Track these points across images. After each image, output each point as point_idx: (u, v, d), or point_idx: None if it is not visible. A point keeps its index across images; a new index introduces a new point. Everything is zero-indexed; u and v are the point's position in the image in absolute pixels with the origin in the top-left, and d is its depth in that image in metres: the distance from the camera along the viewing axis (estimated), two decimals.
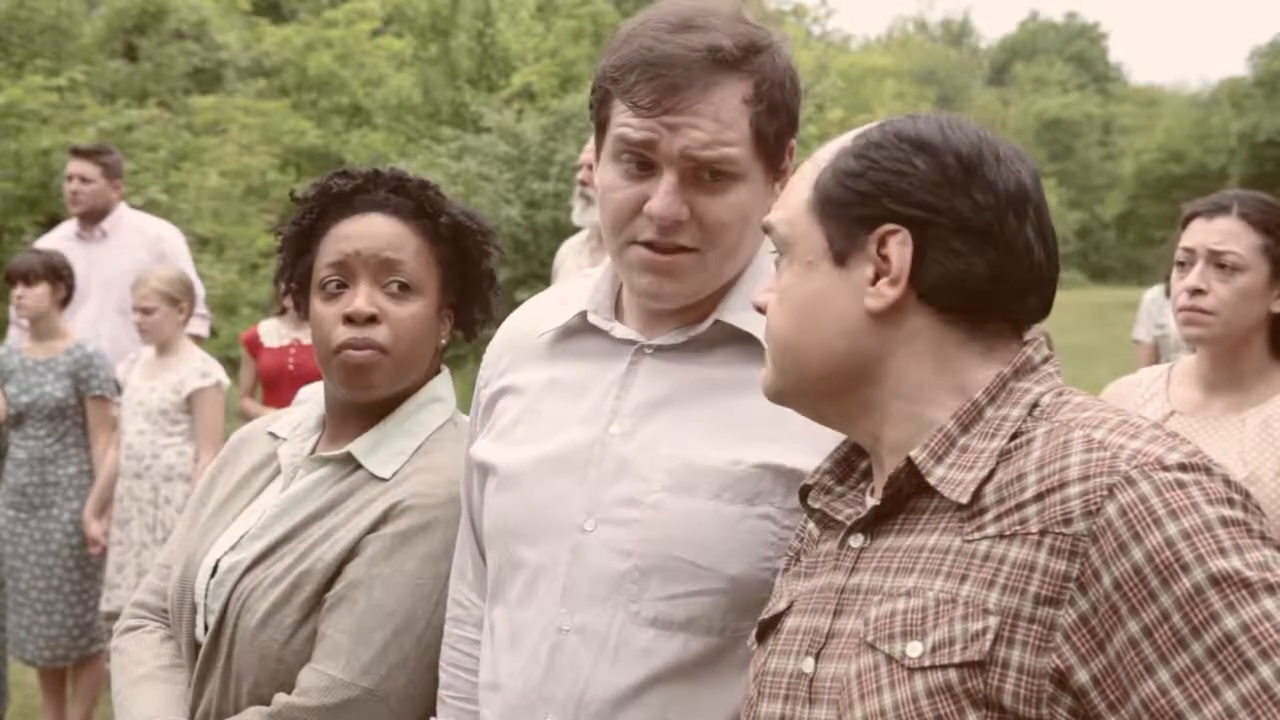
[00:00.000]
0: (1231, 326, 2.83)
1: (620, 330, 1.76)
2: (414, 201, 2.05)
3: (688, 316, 1.72)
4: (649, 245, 1.66)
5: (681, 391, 1.70)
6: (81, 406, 5.32)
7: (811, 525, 1.52)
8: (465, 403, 1.96)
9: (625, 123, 1.64)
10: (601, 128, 1.70)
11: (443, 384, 2.11)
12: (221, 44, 17.82)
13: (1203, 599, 1.19)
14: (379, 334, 1.99)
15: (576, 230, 6.04)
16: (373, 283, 2.00)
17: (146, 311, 5.25)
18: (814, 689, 1.36)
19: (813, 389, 1.43)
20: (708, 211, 1.64)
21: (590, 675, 1.63)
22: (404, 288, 2.01)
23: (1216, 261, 2.83)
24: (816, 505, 1.49)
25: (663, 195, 1.62)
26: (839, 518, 1.45)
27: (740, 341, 1.69)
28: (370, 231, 2.02)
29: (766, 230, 1.48)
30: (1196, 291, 2.83)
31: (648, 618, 1.63)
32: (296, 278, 2.10)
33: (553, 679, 1.65)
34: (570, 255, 5.78)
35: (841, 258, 1.39)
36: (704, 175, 1.63)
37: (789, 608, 1.45)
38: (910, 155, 1.37)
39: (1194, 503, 1.22)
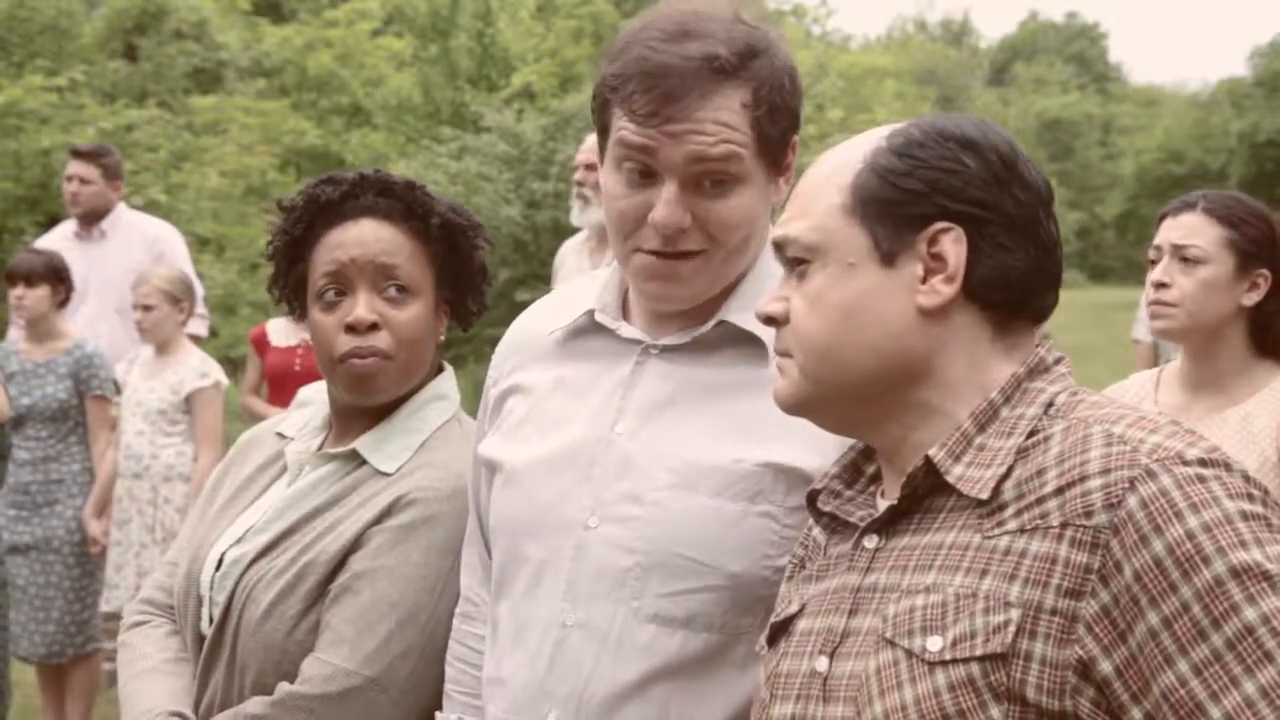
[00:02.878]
0: (1196, 318, 2.88)
1: (627, 330, 1.77)
2: (403, 203, 2.06)
3: (693, 317, 1.73)
4: (654, 252, 1.67)
5: (686, 391, 1.71)
6: (82, 406, 5.32)
7: (816, 531, 1.53)
8: (466, 400, 1.96)
9: (628, 133, 1.64)
10: (604, 132, 1.71)
11: (446, 381, 2.13)
12: (221, 44, 17.83)
13: (1223, 590, 1.21)
14: (381, 340, 2.00)
15: (576, 230, 6.03)
16: (371, 289, 2.01)
17: (147, 309, 5.26)
18: (828, 687, 1.36)
19: (851, 393, 1.41)
20: (711, 216, 1.65)
21: (592, 671, 1.65)
22: (402, 291, 2.02)
23: (1180, 255, 2.90)
24: (826, 508, 1.49)
25: (665, 205, 1.63)
26: (852, 520, 1.46)
27: (743, 342, 1.71)
28: (364, 238, 2.02)
29: (781, 244, 1.45)
30: (1161, 285, 2.90)
31: (649, 614, 1.64)
32: (291, 285, 2.11)
33: (556, 674, 1.67)
34: (570, 256, 5.78)
35: (890, 257, 1.39)
36: (705, 182, 1.64)
37: (801, 611, 1.46)
38: (958, 153, 1.39)
39: (1215, 497, 1.24)
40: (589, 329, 1.80)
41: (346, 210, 2.05)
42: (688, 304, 1.71)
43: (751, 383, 1.67)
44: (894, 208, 1.39)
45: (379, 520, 1.96)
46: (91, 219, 6.26)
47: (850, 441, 1.55)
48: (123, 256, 6.17)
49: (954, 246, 1.37)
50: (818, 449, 1.61)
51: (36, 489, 5.27)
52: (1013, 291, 1.39)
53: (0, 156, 13.02)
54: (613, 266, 1.84)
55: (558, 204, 13.12)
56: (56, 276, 5.33)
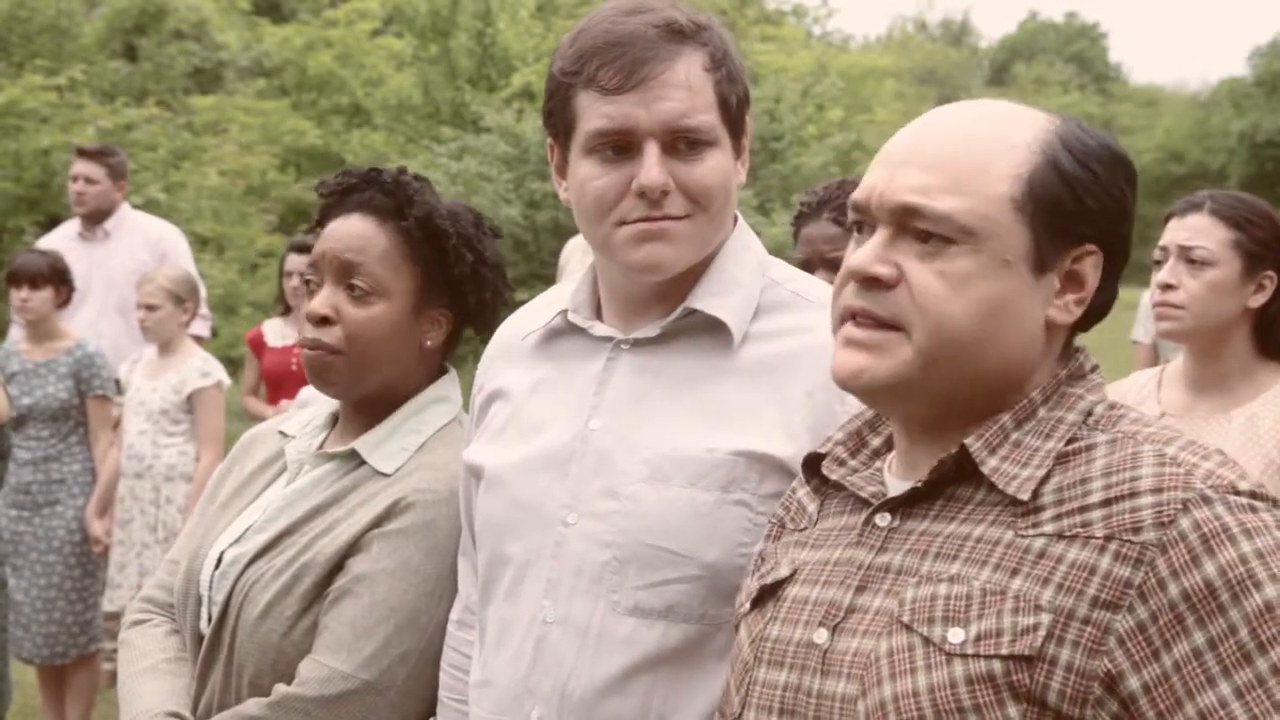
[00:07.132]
0: (1203, 320, 2.86)
1: (599, 328, 1.80)
2: (394, 201, 2.06)
3: (662, 308, 1.76)
4: (640, 219, 1.69)
5: (658, 384, 1.74)
6: (83, 406, 5.33)
7: (803, 494, 1.53)
8: (466, 401, 1.97)
9: (598, 112, 1.68)
10: (567, 132, 1.73)
11: (448, 384, 2.14)
12: (221, 44, 17.83)
13: (1272, 616, 1.22)
14: (330, 335, 2.03)
15: (578, 228, 6.03)
16: (335, 283, 2.04)
17: (151, 308, 5.26)
18: (828, 660, 1.35)
19: (960, 388, 1.37)
20: (690, 179, 1.68)
21: (573, 666, 1.67)
22: (363, 290, 2.03)
23: (1187, 257, 2.88)
24: (833, 476, 1.48)
25: (649, 167, 1.66)
26: (862, 494, 1.45)
27: (712, 330, 1.73)
28: (339, 233, 2.05)
29: (917, 213, 1.34)
30: (1168, 287, 2.88)
31: (627, 607, 1.66)
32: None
33: (538, 671, 1.69)
34: (575, 253, 5.77)
35: (1042, 266, 1.36)
36: (681, 145, 1.68)
37: (792, 576, 1.45)
38: (1122, 180, 1.39)
39: (1267, 526, 1.26)
40: (563, 330, 1.83)
41: (348, 203, 2.08)
42: (677, 269, 1.72)
43: (721, 371, 1.70)
44: (1066, 220, 1.35)
45: (378, 523, 1.97)
46: (96, 219, 6.27)
47: (823, 428, 1.56)
48: (126, 257, 6.18)
49: (1093, 271, 1.38)
50: (790, 435, 1.64)
51: (37, 489, 5.28)
52: (1096, 320, 1.42)
53: (0, 156, 13.01)
54: (589, 266, 1.86)
55: (558, 204, 13.09)
56: (60, 278, 5.34)
